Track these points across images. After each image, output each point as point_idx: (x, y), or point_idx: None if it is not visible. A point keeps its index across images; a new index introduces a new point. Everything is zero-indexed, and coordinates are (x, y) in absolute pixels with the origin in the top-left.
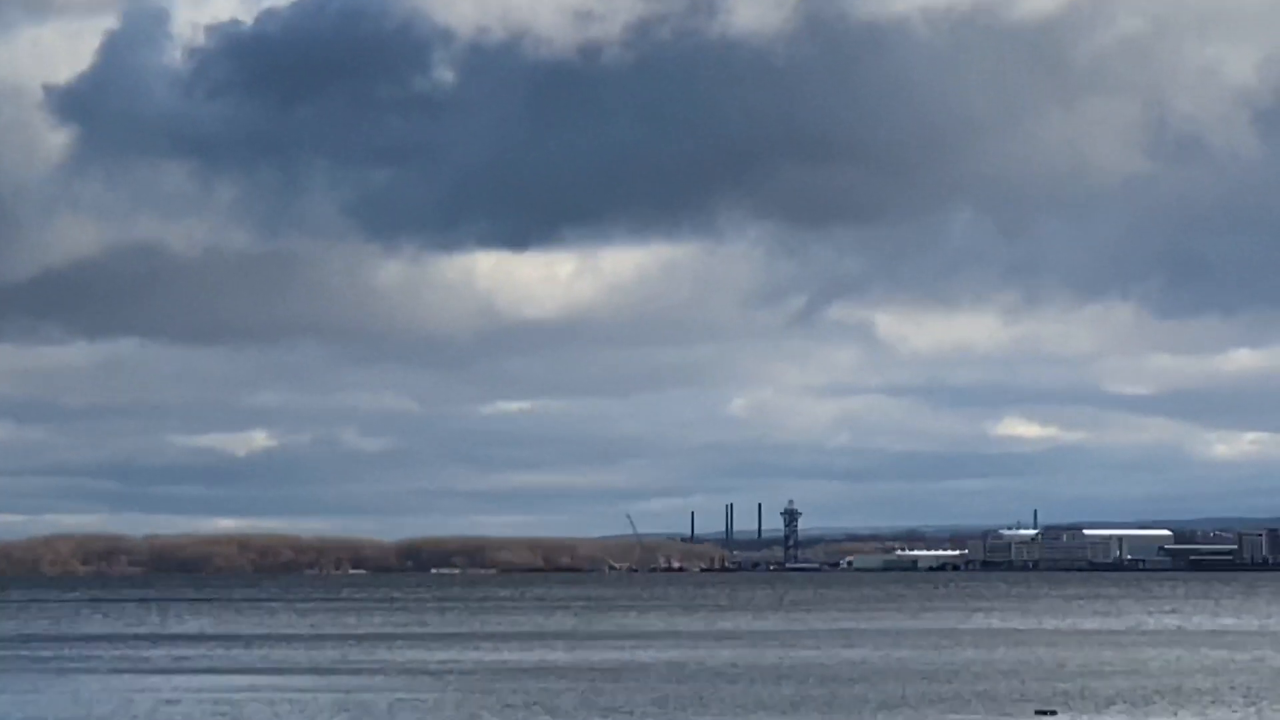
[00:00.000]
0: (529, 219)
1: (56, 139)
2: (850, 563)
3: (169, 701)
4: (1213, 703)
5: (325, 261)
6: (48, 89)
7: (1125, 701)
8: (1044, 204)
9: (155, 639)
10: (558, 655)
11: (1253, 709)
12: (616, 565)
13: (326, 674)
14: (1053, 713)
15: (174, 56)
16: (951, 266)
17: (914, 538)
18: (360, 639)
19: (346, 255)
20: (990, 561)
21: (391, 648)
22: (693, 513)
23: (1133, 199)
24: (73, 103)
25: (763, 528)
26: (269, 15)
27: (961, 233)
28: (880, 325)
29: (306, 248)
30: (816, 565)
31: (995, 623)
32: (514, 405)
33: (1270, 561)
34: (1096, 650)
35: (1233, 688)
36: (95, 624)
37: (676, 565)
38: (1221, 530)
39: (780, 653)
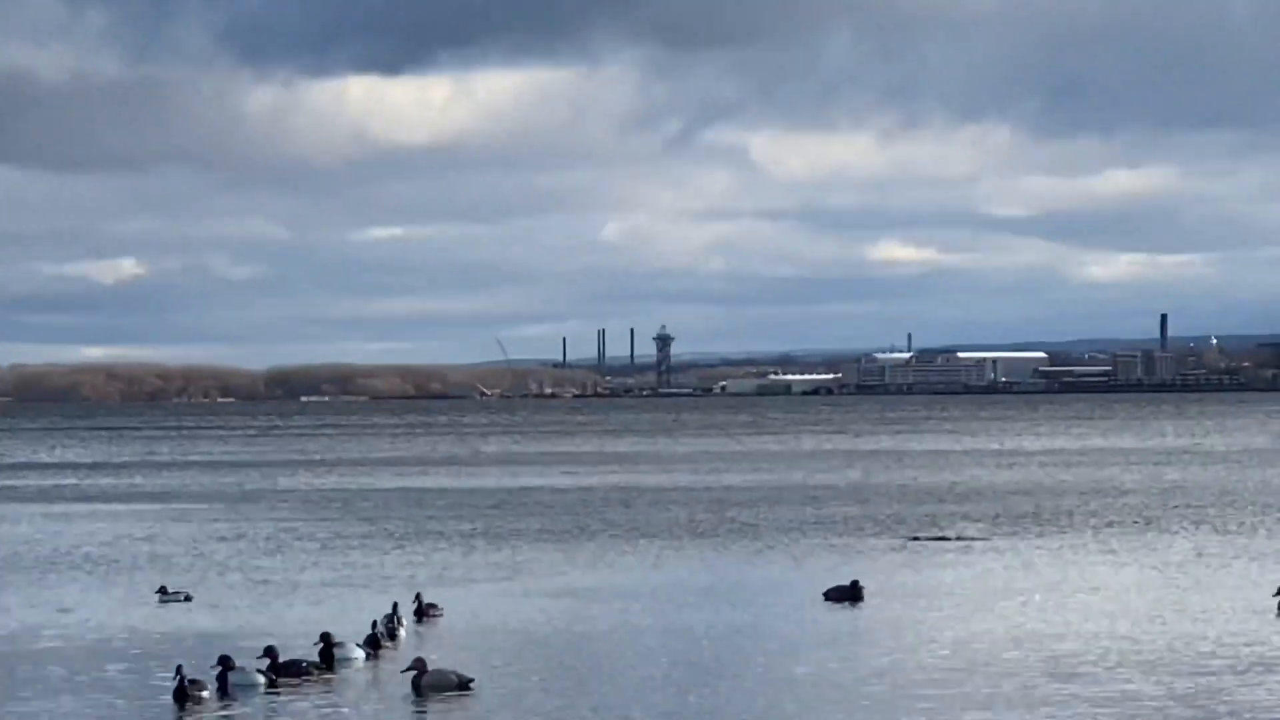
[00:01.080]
0: (403, 43)
1: None
2: (724, 387)
3: (45, 531)
4: (1070, 526)
5: (196, 88)
6: None
7: (992, 522)
8: (922, 26)
9: (26, 468)
10: (439, 481)
11: (1117, 529)
12: (488, 392)
13: (203, 500)
14: (943, 538)
15: None
16: (829, 89)
17: (787, 362)
18: (236, 466)
19: (217, 81)
20: (864, 385)
21: (267, 475)
22: (564, 338)
23: (1011, 20)
24: None
25: (635, 353)
26: None
27: (839, 55)
28: (756, 149)
29: (177, 74)
30: (690, 390)
31: (870, 445)
32: (385, 231)
33: (1145, 383)
34: (966, 471)
35: (1098, 508)
36: None
37: (548, 391)
38: (1096, 352)
39: (662, 477)
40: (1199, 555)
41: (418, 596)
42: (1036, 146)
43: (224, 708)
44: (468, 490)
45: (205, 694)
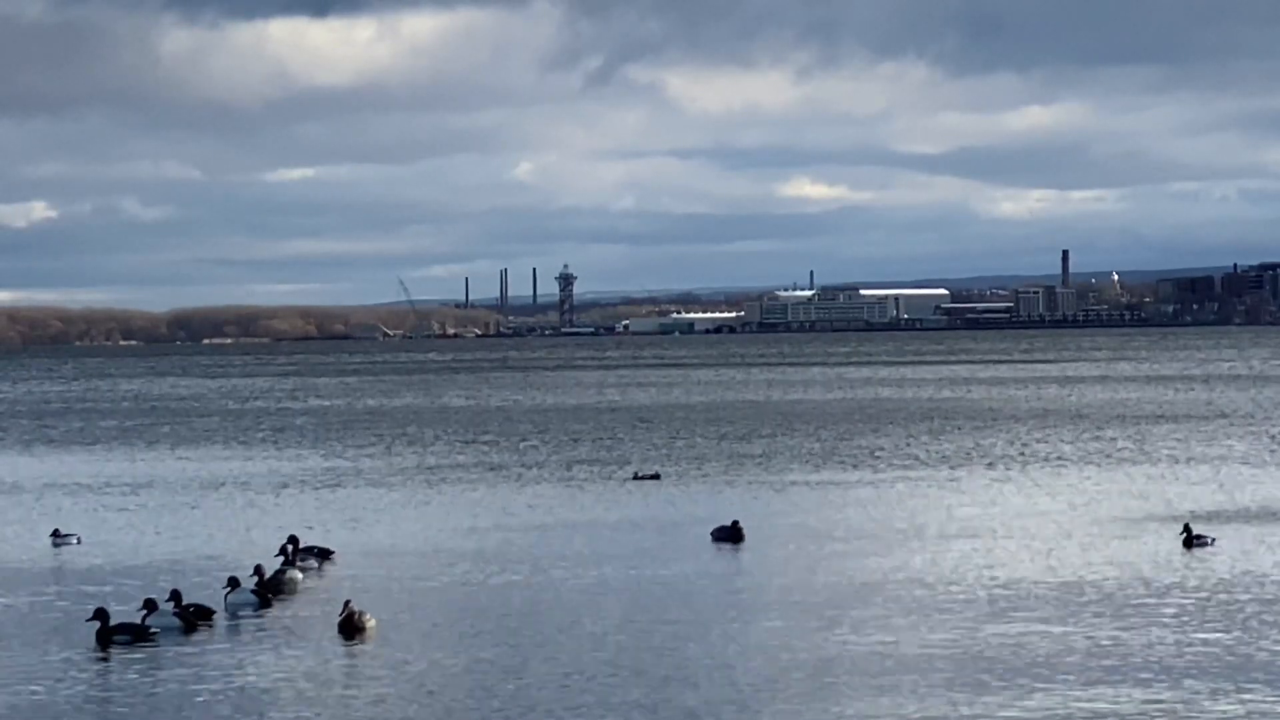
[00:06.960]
0: None
1: None
2: (626, 326)
3: None
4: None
5: (119, 30)
6: None
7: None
8: None
9: None
10: (344, 407)
11: (1006, 462)
12: (390, 332)
13: (98, 442)
14: (654, 476)
15: None
16: (750, 27)
17: (690, 300)
18: (132, 405)
19: (142, 23)
20: (767, 323)
21: (161, 415)
22: (466, 278)
23: None
24: None
25: (539, 293)
26: None
27: None
28: (672, 86)
29: (102, 16)
30: (592, 329)
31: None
32: (298, 173)
33: (1046, 319)
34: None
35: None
36: None
37: (451, 332)
38: (998, 289)
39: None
40: (1102, 487)
41: (293, 539)
42: (952, 83)
43: (146, 650)
44: (374, 418)
45: (130, 639)
